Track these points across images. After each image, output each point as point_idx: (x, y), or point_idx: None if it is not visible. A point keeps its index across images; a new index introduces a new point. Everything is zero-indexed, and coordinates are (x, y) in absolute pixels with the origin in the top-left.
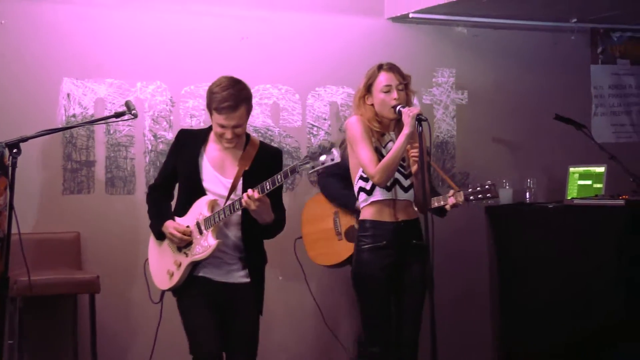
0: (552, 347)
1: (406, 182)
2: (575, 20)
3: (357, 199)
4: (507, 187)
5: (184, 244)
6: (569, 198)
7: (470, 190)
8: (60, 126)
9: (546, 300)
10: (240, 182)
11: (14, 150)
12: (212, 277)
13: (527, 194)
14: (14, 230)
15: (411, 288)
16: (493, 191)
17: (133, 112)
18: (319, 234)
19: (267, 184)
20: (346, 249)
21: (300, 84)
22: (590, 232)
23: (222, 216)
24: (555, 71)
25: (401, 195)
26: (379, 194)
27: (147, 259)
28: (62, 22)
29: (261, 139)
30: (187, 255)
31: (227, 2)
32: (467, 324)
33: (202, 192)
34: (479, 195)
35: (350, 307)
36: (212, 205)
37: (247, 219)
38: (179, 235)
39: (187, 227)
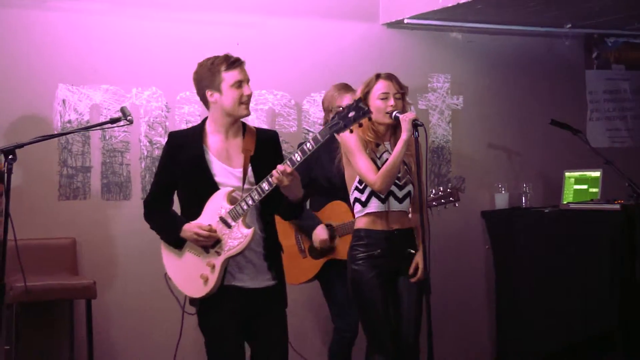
0: (548, 351)
1: (400, 193)
2: (569, 25)
3: (352, 209)
4: (503, 191)
5: (211, 243)
6: (564, 203)
7: (432, 195)
8: (55, 132)
9: (543, 303)
10: (250, 168)
11: (10, 157)
12: (241, 284)
13: (523, 198)
14: (9, 236)
15: (408, 293)
16: (455, 194)
17: (128, 118)
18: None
19: (297, 155)
20: (312, 266)
21: (295, 89)
22: (586, 236)
23: (249, 202)
24: (550, 76)
25: (395, 206)
26: (373, 206)
27: (165, 273)
28: (58, 28)
29: None
30: (219, 253)
31: (222, 9)
32: (465, 328)
33: (214, 189)
34: (442, 200)
35: (315, 325)
36: (230, 196)
37: (265, 209)
38: (205, 233)
39: (210, 225)
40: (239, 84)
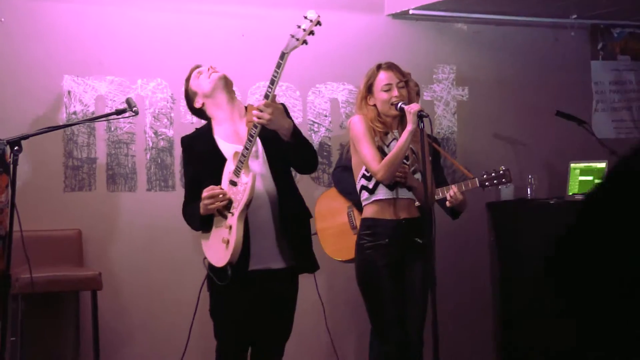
0: (553, 344)
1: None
2: (575, 16)
3: (360, 197)
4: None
5: (221, 201)
6: (570, 194)
7: (484, 176)
8: (61, 124)
9: (547, 296)
10: (258, 140)
11: (15, 148)
12: (257, 267)
13: (529, 190)
14: (15, 227)
15: (413, 285)
16: (508, 176)
17: (134, 109)
18: (334, 229)
19: (268, 88)
20: None
21: (300, 80)
22: None
23: (245, 153)
24: (555, 67)
25: (404, 193)
26: (381, 193)
27: (204, 258)
28: (63, 19)
29: None
30: (232, 213)
31: (227, 0)
32: (469, 321)
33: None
34: (494, 181)
35: (355, 305)
36: (237, 156)
37: (278, 168)
38: (208, 193)
39: (221, 188)
40: (196, 68)
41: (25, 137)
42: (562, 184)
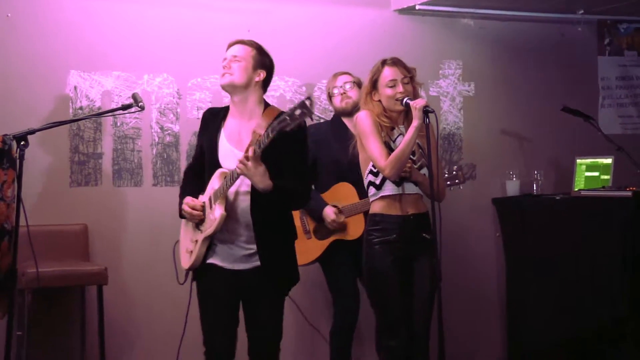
0: (559, 338)
1: None
2: (582, 11)
3: (367, 192)
4: (514, 178)
5: (197, 220)
6: (576, 190)
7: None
8: (67, 119)
9: (553, 291)
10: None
11: (22, 143)
12: (222, 264)
13: (534, 185)
14: (22, 222)
15: (421, 280)
16: (460, 177)
17: (140, 104)
18: None
19: (250, 148)
20: (317, 246)
21: (306, 76)
22: (597, 223)
23: (225, 187)
24: (562, 63)
25: (411, 189)
26: (388, 189)
27: (177, 241)
28: (69, 15)
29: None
30: (201, 231)
31: None
32: (475, 316)
33: (217, 167)
34: (447, 182)
35: (326, 301)
36: (223, 177)
37: (257, 199)
38: (188, 209)
39: (203, 203)
40: (224, 59)
41: (32, 132)
42: (568, 180)
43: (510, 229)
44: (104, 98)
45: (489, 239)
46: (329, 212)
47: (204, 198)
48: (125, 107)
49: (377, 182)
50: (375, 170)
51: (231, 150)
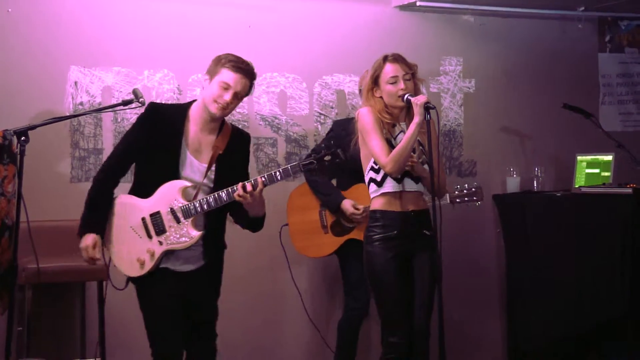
0: (558, 336)
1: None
2: (582, 8)
3: (368, 189)
4: (515, 175)
5: (90, 261)
6: (576, 186)
7: (456, 192)
8: (67, 114)
9: (553, 288)
10: (214, 167)
11: (22, 138)
12: (174, 268)
13: (535, 182)
14: (22, 218)
15: (421, 277)
16: (480, 194)
17: (140, 100)
18: (305, 225)
19: (264, 178)
20: (331, 242)
21: (307, 72)
22: (597, 220)
23: (204, 207)
24: (562, 60)
25: (411, 186)
26: (389, 186)
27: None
28: (70, 10)
29: (268, 127)
30: (161, 243)
31: None
32: (475, 312)
33: (174, 176)
34: (465, 198)
35: (332, 295)
36: (185, 191)
37: (214, 213)
38: (87, 255)
39: (158, 212)
40: (226, 87)
41: (32, 128)
42: (569, 177)
43: (510, 226)
44: (104, 94)
45: (489, 236)
46: (348, 206)
47: (155, 206)
48: (125, 103)
49: (378, 178)
50: (376, 167)
51: (191, 160)
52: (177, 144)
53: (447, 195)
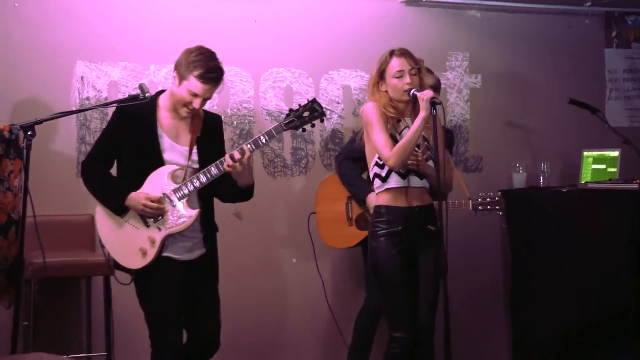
0: (565, 330)
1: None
2: (589, 3)
3: (372, 184)
4: (521, 171)
5: (157, 216)
6: (582, 182)
7: (479, 200)
8: (74, 109)
9: (558, 283)
10: (195, 148)
11: (29, 133)
12: (178, 256)
13: (541, 178)
14: (28, 212)
15: (426, 272)
16: (502, 203)
17: (147, 95)
18: (331, 214)
19: (249, 145)
20: (354, 235)
21: (313, 67)
22: (603, 216)
23: (196, 184)
24: (569, 55)
25: (416, 182)
26: (393, 182)
27: (100, 240)
28: (76, 4)
29: (274, 122)
30: (160, 229)
31: None
32: (480, 307)
33: (160, 164)
34: (488, 207)
35: (355, 286)
36: (173, 175)
37: (207, 190)
38: (155, 205)
39: (160, 197)
40: (194, 95)
41: (39, 122)
42: (575, 172)
43: (516, 221)
44: (110, 88)
45: (494, 231)
46: (373, 199)
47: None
48: (132, 98)
49: (383, 174)
50: (380, 162)
51: (172, 144)
52: (154, 132)
53: (470, 202)
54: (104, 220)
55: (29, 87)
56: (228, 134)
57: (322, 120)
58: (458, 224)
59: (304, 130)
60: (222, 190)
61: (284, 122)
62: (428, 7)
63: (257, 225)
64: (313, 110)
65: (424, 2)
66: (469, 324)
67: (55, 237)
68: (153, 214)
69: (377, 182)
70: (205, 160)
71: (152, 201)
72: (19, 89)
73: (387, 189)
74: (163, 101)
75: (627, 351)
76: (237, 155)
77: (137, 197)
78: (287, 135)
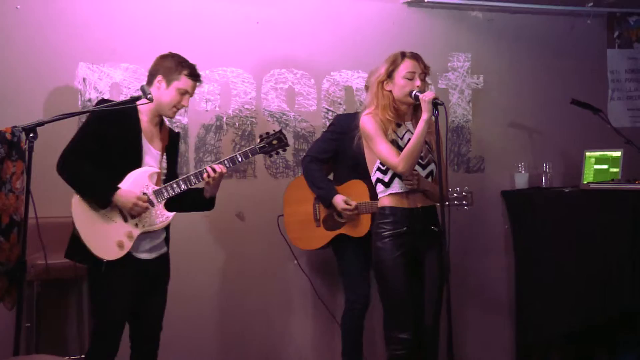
0: (568, 331)
1: (423, 172)
2: (591, 4)
3: (374, 189)
4: (523, 171)
5: (141, 212)
6: (585, 182)
7: (447, 195)
8: (76, 111)
9: (562, 284)
10: (164, 155)
11: (31, 135)
12: (138, 254)
13: (543, 178)
14: (30, 214)
15: (430, 273)
16: (469, 199)
17: (149, 96)
18: (299, 216)
19: (226, 161)
20: (322, 236)
21: (315, 68)
22: (606, 216)
23: (176, 190)
24: (571, 55)
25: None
26: (396, 186)
27: (76, 229)
28: (78, 6)
29: (276, 123)
30: (137, 225)
31: None
32: (484, 308)
33: (139, 164)
34: (455, 202)
35: (338, 277)
36: (152, 177)
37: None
38: (145, 205)
39: (145, 195)
40: (185, 93)
41: (41, 124)
42: (577, 173)
43: (518, 222)
44: (112, 90)
45: (497, 232)
46: (339, 201)
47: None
48: (134, 99)
49: (386, 179)
50: (383, 168)
51: (149, 148)
52: (138, 132)
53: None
54: (82, 211)
55: (31, 89)
56: (230, 135)
57: (284, 150)
58: (462, 224)
59: (271, 155)
60: (186, 199)
61: (259, 145)
62: (430, 8)
63: (258, 225)
64: (280, 140)
65: (426, 3)
66: (472, 325)
67: (57, 239)
68: (140, 212)
69: (380, 187)
70: (170, 168)
71: (143, 200)
72: (21, 90)
73: (390, 194)
74: (142, 107)
75: (634, 349)
76: (219, 169)
77: (127, 195)
78: (289, 136)
